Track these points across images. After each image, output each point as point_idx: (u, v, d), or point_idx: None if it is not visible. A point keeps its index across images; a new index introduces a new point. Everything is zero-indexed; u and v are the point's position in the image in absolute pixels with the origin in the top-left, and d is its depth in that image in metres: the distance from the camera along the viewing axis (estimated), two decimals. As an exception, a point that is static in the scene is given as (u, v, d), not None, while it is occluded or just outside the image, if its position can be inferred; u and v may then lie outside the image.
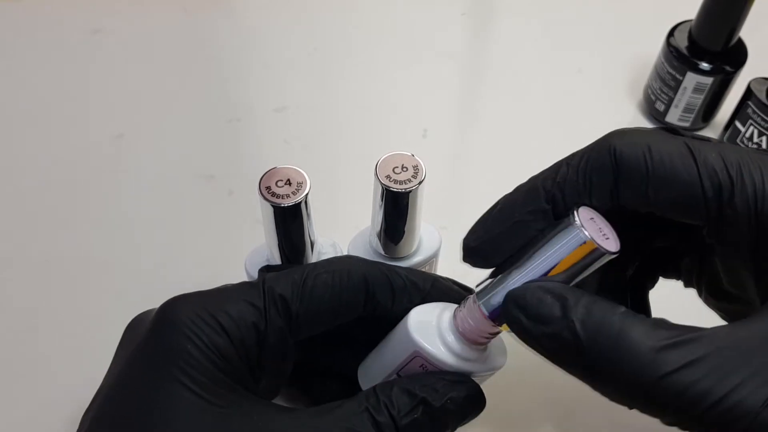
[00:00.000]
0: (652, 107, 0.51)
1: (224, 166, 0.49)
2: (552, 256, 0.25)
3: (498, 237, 0.26)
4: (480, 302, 0.26)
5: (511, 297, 0.25)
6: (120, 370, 0.26)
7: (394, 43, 0.57)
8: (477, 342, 0.27)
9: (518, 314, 0.24)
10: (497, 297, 0.26)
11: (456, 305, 0.28)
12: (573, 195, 0.25)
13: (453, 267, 0.42)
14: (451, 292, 0.30)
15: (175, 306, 0.27)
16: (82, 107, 0.52)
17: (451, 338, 0.27)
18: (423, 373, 0.27)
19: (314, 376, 0.33)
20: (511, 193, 0.28)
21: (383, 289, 0.29)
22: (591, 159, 0.26)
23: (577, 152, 0.26)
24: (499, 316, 0.26)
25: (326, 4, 0.59)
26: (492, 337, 0.27)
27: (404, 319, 0.28)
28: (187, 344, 0.25)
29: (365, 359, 0.30)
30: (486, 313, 0.26)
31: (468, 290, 0.31)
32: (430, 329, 0.27)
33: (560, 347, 0.23)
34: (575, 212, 0.25)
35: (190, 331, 0.25)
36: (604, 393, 0.23)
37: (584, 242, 0.24)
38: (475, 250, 0.27)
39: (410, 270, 0.30)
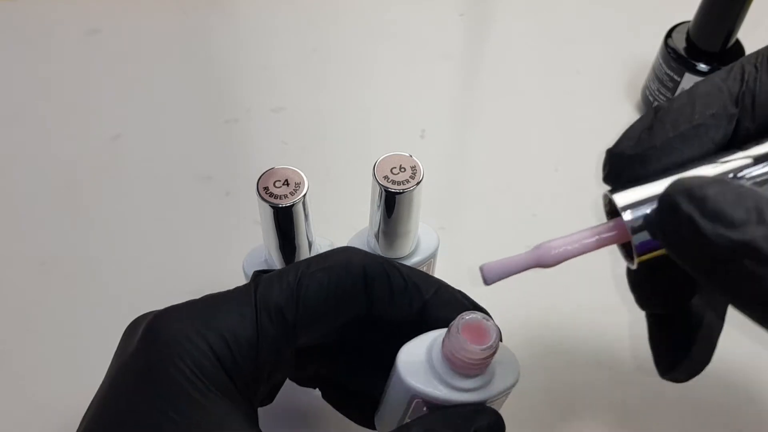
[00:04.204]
0: (650, 108, 0.51)
1: (222, 166, 0.49)
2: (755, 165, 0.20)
3: (670, 142, 0.22)
4: (615, 197, 0.22)
5: (683, 186, 0.19)
6: (106, 392, 0.25)
7: (392, 43, 0.57)
8: (470, 370, 0.24)
9: (691, 209, 0.18)
10: (649, 202, 0.21)
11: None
12: (764, 97, 0.22)
13: (452, 268, 0.43)
14: (456, 303, 0.27)
15: (162, 326, 0.25)
16: (79, 108, 0.52)
17: (446, 373, 0.24)
18: (431, 412, 0.25)
19: (343, 393, 0.32)
20: (675, 98, 0.23)
21: (382, 284, 0.27)
22: None
23: (758, 52, 0.23)
24: (646, 223, 0.21)
25: (324, 4, 0.59)
26: (484, 362, 0.24)
27: (395, 360, 0.26)
28: (174, 372, 0.24)
29: (379, 407, 0.29)
30: (627, 223, 0.21)
31: (478, 309, 0.28)
32: (422, 367, 0.25)
33: (750, 260, 0.17)
34: None
35: (178, 358, 0.24)
36: None
37: None
38: (634, 159, 0.22)
39: (415, 270, 0.28)
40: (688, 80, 0.47)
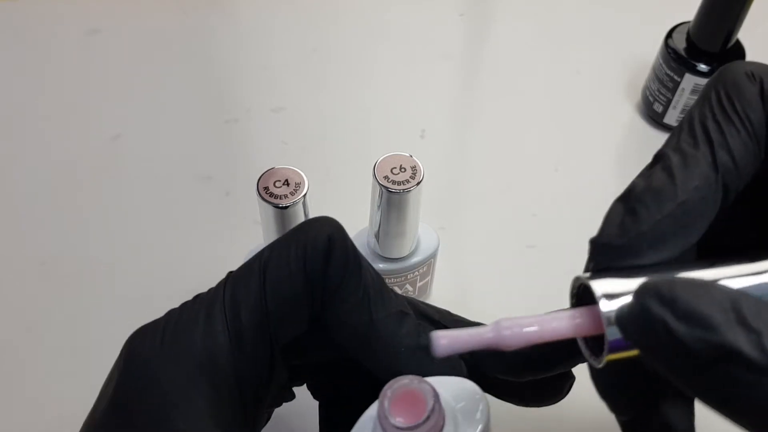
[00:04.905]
0: (650, 108, 0.51)
1: (222, 166, 0.49)
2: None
3: (659, 225, 0.20)
4: (593, 284, 0.19)
5: (652, 287, 0.17)
6: (91, 420, 0.23)
7: (392, 43, 0.57)
8: None
9: (662, 312, 0.17)
10: (626, 296, 0.18)
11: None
12: (740, 148, 0.20)
13: (452, 268, 0.43)
14: (400, 333, 0.23)
15: (138, 358, 0.23)
16: (80, 108, 0.52)
17: None
18: None
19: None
20: (652, 174, 0.21)
21: (337, 270, 0.23)
22: (733, 95, 0.21)
23: (702, 100, 0.21)
24: (618, 324, 0.19)
25: (324, 4, 0.59)
26: None
27: None
28: (151, 410, 0.22)
29: None
30: (604, 314, 0.19)
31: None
32: None
33: (734, 366, 0.16)
34: None
35: (157, 392, 0.22)
36: None
37: None
38: (622, 251, 0.20)
39: (383, 287, 0.24)
40: (688, 81, 0.47)
